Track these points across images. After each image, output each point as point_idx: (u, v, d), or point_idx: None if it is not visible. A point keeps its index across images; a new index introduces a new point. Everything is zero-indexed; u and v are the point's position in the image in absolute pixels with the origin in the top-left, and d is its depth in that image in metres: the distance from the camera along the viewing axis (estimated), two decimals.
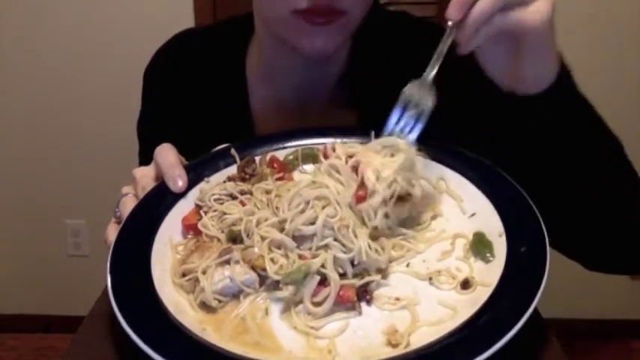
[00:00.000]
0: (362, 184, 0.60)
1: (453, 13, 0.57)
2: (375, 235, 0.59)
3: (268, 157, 0.72)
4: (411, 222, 0.64)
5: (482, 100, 0.70)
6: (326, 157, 0.67)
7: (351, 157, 0.64)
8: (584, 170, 0.65)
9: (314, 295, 0.53)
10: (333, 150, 0.66)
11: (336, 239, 0.56)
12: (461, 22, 0.57)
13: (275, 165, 0.72)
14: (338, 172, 0.63)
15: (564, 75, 0.63)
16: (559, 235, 0.66)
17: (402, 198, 0.61)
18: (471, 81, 0.67)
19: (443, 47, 0.61)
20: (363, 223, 0.59)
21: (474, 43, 0.58)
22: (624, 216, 0.67)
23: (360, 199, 0.59)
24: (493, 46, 0.61)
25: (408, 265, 0.59)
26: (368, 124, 0.77)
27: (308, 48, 0.71)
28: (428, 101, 0.63)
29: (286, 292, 0.54)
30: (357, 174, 0.62)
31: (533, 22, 0.57)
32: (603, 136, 0.67)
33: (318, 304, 0.53)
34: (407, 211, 0.62)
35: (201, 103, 0.87)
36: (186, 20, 1.85)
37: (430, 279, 0.57)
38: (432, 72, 0.63)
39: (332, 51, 0.73)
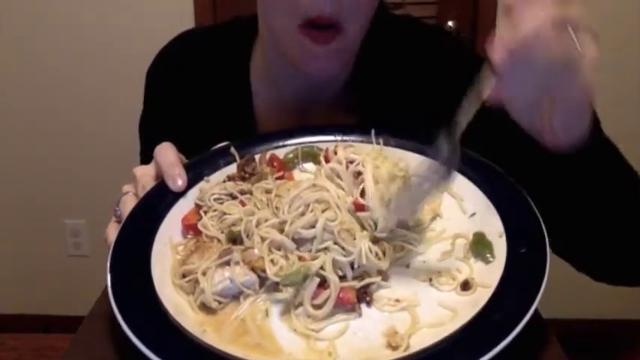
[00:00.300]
0: (362, 193, 0.60)
1: (498, 54, 0.48)
2: (375, 238, 0.59)
3: (268, 155, 0.72)
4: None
5: (504, 138, 0.65)
6: (327, 159, 0.67)
7: (352, 162, 0.63)
8: (602, 202, 0.64)
9: (314, 297, 0.53)
10: (335, 153, 0.66)
11: (335, 242, 0.56)
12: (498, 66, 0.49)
13: (275, 164, 0.72)
14: (339, 177, 0.63)
15: (595, 129, 0.59)
16: (571, 251, 0.67)
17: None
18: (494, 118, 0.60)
19: (476, 100, 0.52)
20: (363, 227, 0.59)
21: (513, 99, 0.52)
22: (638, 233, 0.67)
23: (359, 207, 0.59)
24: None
25: (408, 266, 0.59)
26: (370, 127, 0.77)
27: (311, 70, 0.72)
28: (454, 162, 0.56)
29: (286, 293, 0.54)
30: (357, 178, 0.62)
31: (580, 90, 0.51)
32: (623, 175, 0.66)
33: (318, 307, 0.53)
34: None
35: (204, 104, 0.87)
36: (186, 20, 1.85)
37: (430, 280, 0.57)
38: (461, 127, 0.54)
39: (335, 74, 0.73)
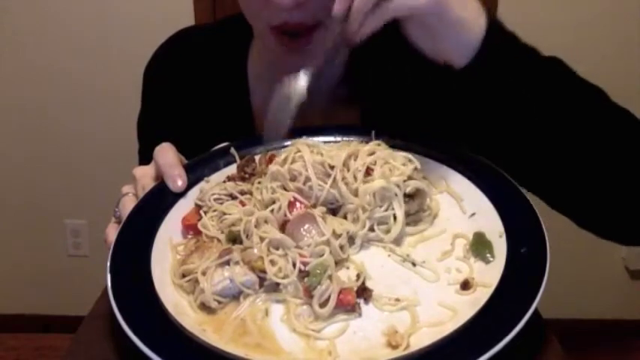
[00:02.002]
0: None
1: (338, 7, 0.56)
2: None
3: (268, 155, 0.72)
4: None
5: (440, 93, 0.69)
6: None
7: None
8: (563, 124, 0.61)
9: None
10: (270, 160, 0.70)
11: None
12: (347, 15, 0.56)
13: None
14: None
15: (491, 39, 0.60)
16: (571, 202, 0.66)
17: (412, 195, 0.62)
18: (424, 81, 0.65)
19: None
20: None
21: (361, 35, 0.57)
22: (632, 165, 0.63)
23: None
24: (409, 24, 0.60)
25: (408, 265, 0.59)
26: (369, 119, 0.77)
27: (290, 67, 0.72)
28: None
29: (286, 294, 0.54)
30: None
31: (417, 4, 0.55)
32: (562, 82, 0.63)
33: (322, 305, 0.53)
34: (417, 206, 0.63)
35: (201, 102, 0.87)
36: (186, 20, 1.85)
37: (430, 279, 0.57)
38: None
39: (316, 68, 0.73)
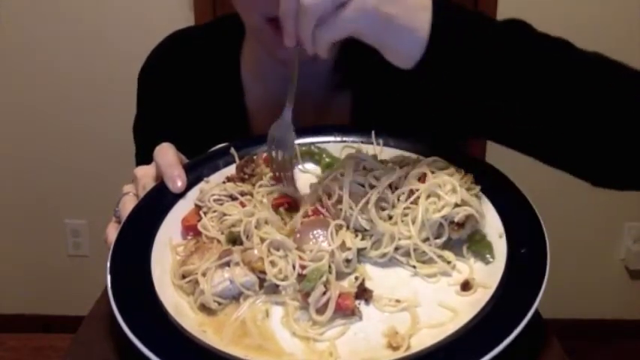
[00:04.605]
0: None
1: (288, 41, 0.57)
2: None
3: (263, 155, 0.72)
4: None
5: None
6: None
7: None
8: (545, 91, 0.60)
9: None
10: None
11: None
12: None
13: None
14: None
15: (435, 41, 0.55)
16: (562, 155, 0.64)
17: (462, 224, 0.59)
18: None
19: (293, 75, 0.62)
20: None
21: (320, 53, 0.57)
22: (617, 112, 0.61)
23: None
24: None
25: (408, 267, 0.59)
26: (361, 106, 0.76)
27: (284, 58, 0.72)
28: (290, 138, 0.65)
29: (285, 295, 0.54)
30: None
31: (354, 27, 0.54)
32: (532, 51, 0.61)
33: (320, 312, 0.53)
34: (469, 230, 0.60)
35: (196, 102, 0.87)
36: (185, 20, 1.85)
37: (430, 280, 0.57)
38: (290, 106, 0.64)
39: (309, 58, 0.73)
